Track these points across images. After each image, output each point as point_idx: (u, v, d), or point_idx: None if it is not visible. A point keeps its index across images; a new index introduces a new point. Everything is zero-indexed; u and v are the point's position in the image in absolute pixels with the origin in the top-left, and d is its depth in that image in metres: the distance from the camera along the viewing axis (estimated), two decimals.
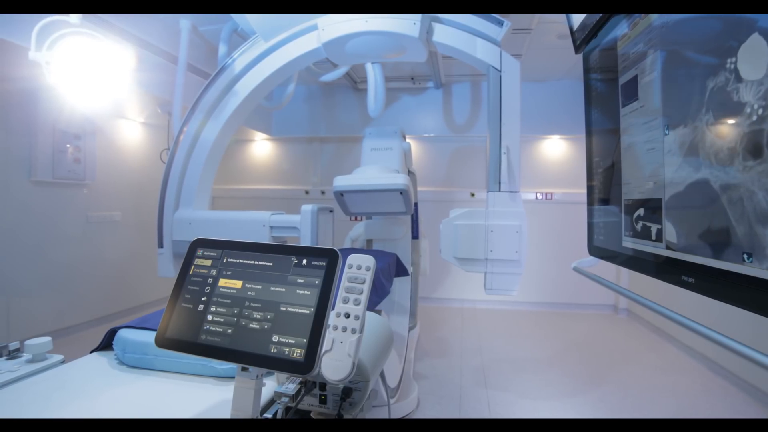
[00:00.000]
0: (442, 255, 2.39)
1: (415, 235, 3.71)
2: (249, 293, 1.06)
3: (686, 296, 1.59)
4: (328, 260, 1.03)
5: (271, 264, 1.07)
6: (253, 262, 1.08)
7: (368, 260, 1.03)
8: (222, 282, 1.07)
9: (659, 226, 1.40)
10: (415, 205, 3.42)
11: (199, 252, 1.13)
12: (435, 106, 5.07)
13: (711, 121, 1.19)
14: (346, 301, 1.02)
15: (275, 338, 1.00)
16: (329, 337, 1.00)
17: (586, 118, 1.92)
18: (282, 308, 1.03)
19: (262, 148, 5.69)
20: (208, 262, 1.11)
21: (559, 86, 4.88)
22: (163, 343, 1.05)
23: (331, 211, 2.54)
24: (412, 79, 4.91)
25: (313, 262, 1.05)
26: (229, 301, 1.06)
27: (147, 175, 4.61)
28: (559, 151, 5.09)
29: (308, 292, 1.02)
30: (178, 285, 1.11)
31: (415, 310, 3.92)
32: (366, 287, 1.02)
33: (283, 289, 1.04)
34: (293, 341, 0.98)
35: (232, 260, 1.09)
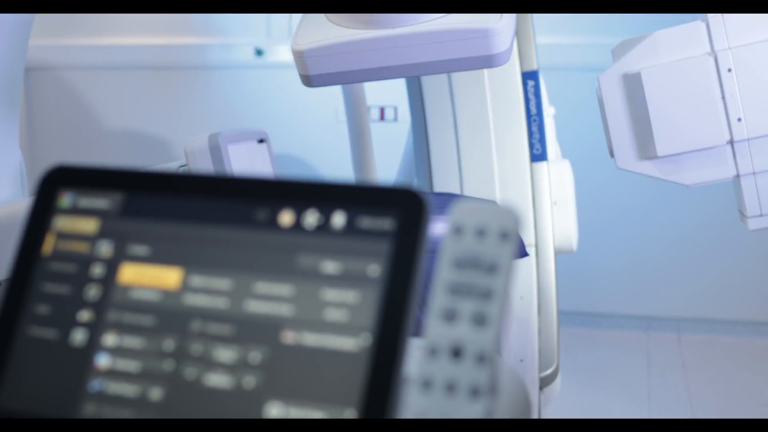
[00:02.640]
0: (616, 158, 1.14)
1: (540, 152, 1.67)
2: (200, 301, 0.46)
3: None
4: (400, 216, 0.44)
5: (252, 230, 0.47)
6: (203, 225, 0.48)
7: (502, 216, 0.44)
8: (129, 273, 0.48)
9: None
10: (532, 74, 1.67)
11: (65, 200, 0.50)
12: None
13: None
14: (450, 316, 0.43)
15: (273, 410, 0.43)
16: (413, 406, 0.43)
17: None
18: (287, 337, 0.44)
19: None
20: (91, 226, 0.49)
21: None
22: None
23: (261, 141, 1.49)
24: None
25: (360, 223, 0.45)
26: (150, 320, 0.46)
27: None
28: None
29: (353, 298, 0.44)
30: (16, 285, 0.50)
31: (555, 338, 1.75)
32: (501, 283, 0.44)
33: (288, 291, 0.45)
34: (319, 415, 0.43)
35: (150, 219, 0.49)
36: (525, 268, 1.51)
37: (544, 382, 1.61)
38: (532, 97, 1.55)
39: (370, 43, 1.08)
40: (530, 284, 1.58)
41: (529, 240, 1.53)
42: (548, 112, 1.67)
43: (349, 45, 1.08)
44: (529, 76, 1.57)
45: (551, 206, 1.59)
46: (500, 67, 1.43)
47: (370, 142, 1.82)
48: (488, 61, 1.09)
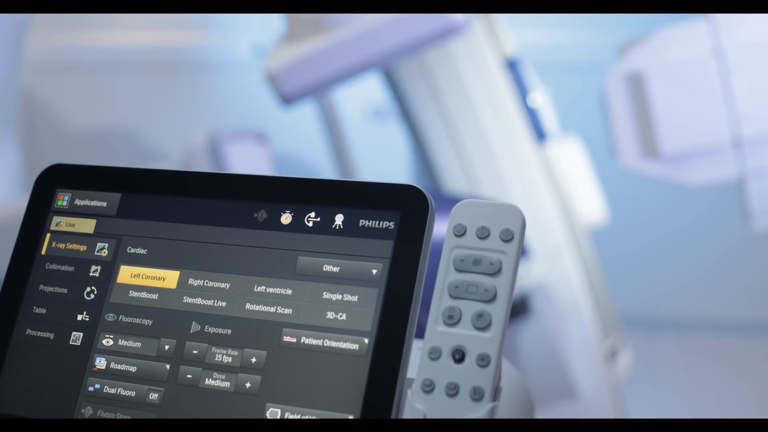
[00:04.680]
0: (620, 157, 1.14)
1: (539, 133, 1.58)
2: (199, 302, 0.46)
3: None
4: (403, 215, 0.44)
5: (251, 230, 0.47)
6: (202, 225, 0.48)
7: (505, 216, 0.44)
8: (126, 274, 0.48)
9: None
10: (512, 61, 1.63)
11: (62, 200, 0.51)
12: None
13: None
14: (451, 317, 0.43)
15: (271, 411, 0.43)
16: (414, 408, 0.42)
17: None
18: (287, 339, 0.44)
19: None
20: (88, 226, 0.49)
21: None
22: None
23: (260, 141, 1.53)
24: None
25: (362, 222, 0.45)
26: (148, 322, 0.47)
27: None
28: None
29: (354, 299, 0.44)
30: (13, 286, 0.50)
31: (611, 312, 1.72)
32: (504, 284, 0.44)
33: (288, 292, 0.45)
34: (320, 416, 0.43)
35: (148, 219, 0.49)
36: (556, 250, 1.47)
37: (608, 359, 1.54)
38: (517, 82, 1.55)
39: (334, 47, 1.12)
40: (567, 265, 1.52)
41: (547, 223, 1.50)
42: (540, 95, 1.64)
43: (314, 53, 1.13)
44: (510, 63, 1.57)
45: (567, 183, 1.58)
46: (478, 59, 1.45)
47: (346, 142, 1.88)
48: (450, 29, 1.11)
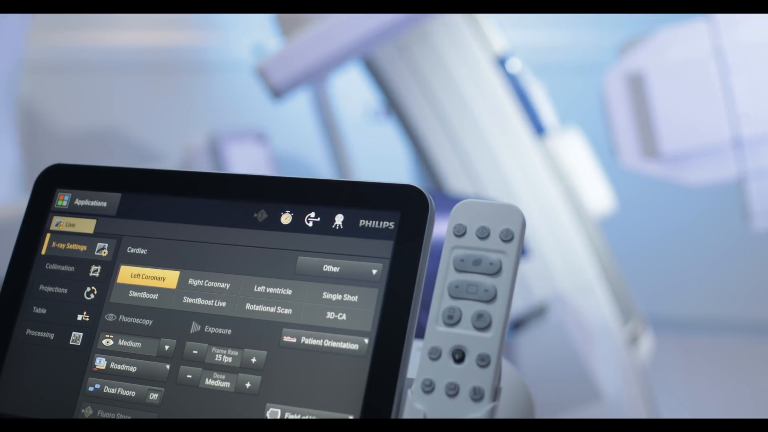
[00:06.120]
0: (620, 156, 1.16)
1: (537, 127, 1.58)
2: (199, 302, 0.46)
3: None
4: (403, 215, 0.44)
5: (251, 230, 0.46)
6: (202, 225, 0.47)
7: (505, 215, 0.43)
8: (126, 274, 0.48)
9: None
10: (502, 58, 1.61)
11: (62, 200, 0.50)
12: None
13: None
14: (451, 317, 0.43)
15: (271, 411, 0.43)
16: (414, 408, 0.42)
17: None
18: (287, 339, 0.44)
19: None
20: (89, 227, 0.49)
21: None
22: None
23: (260, 141, 1.57)
24: None
25: (362, 222, 0.44)
26: (148, 322, 0.46)
27: None
28: None
29: (354, 299, 0.44)
30: (11, 286, 0.49)
31: (626, 296, 1.70)
32: (504, 284, 0.43)
33: (288, 292, 0.45)
34: (318, 418, 0.42)
35: (148, 219, 0.48)
36: (566, 243, 1.45)
37: (629, 343, 1.51)
38: (509, 78, 1.55)
39: (316, 35, 1.16)
40: (580, 256, 1.50)
41: (555, 212, 1.49)
42: (535, 89, 1.64)
43: (298, 43, 1.16)
44: (500, 60, 1.57)
45: (571, 174, 1.58)
46: (469, 59, 1.45)
47: (346, 142, 1.89)
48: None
